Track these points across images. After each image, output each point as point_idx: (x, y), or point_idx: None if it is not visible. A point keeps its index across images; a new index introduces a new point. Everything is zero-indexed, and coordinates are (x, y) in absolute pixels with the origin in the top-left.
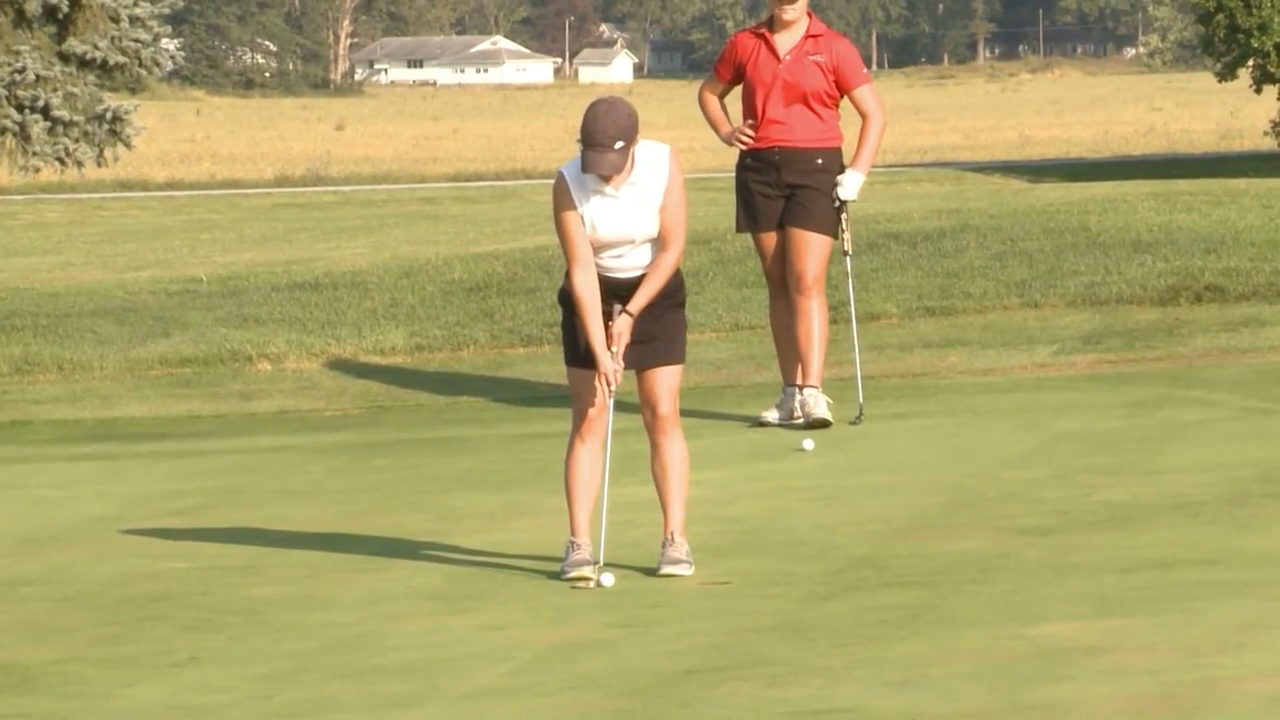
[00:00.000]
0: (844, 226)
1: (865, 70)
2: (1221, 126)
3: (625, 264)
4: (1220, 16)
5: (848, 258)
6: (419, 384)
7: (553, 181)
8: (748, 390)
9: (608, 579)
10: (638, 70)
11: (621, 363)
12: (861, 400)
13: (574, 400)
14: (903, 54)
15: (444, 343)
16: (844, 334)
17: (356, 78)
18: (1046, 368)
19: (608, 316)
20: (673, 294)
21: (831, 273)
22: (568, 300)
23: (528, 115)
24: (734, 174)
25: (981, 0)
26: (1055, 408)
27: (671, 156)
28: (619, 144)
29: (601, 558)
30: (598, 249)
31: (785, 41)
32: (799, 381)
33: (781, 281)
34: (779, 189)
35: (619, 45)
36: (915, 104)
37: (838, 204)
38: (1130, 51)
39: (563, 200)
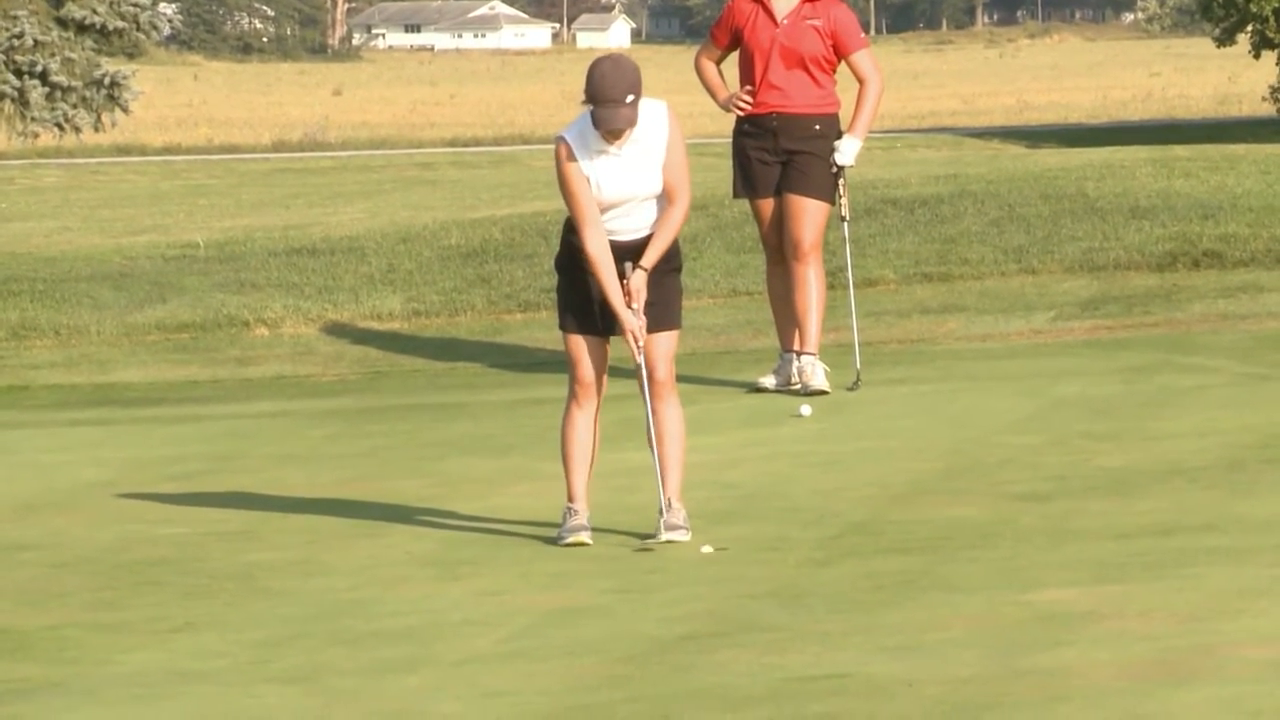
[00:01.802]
0: (841, 192)
1: (863, 35)
2: (1219, 92)
3: (630, 224)
4: None
5: (845, 223)
6: (416, 349)
7: (552, 147)
8: (745, 356)
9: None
10: (635, 35)
11: (644, 318)
12: (859, 366)
13: (570, 365)
14: (901, 19)
15: (441, 308)
16: (841, 300)
17: (354, 43)
18: (1044, 334)
19: (620, 276)
20: (669, 259)
21: (829, 238)
22: (564, 265)
23: (525, 80)
24: (731, 139)
25: None
26: (1053, 374)
27: (669, 112)
28: (629, 98)
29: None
30: (603, 210)
31: (783, 6)
32: (797, 348)
33: (779, 247)
34: (776, 155)
35: (617, 10)
36: (913, 69)
37: (835, 170)
38: (1129, 17)
39: (567, 164)
